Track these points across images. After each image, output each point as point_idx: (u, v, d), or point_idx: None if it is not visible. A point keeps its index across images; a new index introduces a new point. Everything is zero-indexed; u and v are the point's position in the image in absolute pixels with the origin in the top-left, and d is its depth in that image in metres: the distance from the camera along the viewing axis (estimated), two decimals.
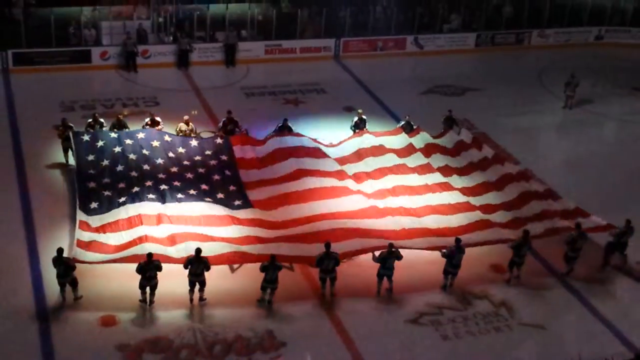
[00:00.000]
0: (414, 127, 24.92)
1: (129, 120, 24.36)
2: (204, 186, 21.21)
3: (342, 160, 22.92)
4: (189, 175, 21.55)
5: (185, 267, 17.80)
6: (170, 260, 18.13)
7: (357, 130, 24.71)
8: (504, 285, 19.50)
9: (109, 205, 19.99)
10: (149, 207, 19.88)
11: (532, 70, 33.95)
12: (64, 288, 17.55)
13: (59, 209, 20.99)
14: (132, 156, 21.78)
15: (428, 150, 23.72)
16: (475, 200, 21.62)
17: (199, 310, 17.91)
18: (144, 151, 22.02)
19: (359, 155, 23.18)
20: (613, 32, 37.46)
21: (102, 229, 19.19)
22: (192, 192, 20.80)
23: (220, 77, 31.26)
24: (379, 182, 22.08)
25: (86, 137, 22.23)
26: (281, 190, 21.44)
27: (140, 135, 22.61)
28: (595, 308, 19.05)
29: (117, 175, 21.10)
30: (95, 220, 19.45)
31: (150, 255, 17.55)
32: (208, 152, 22.59)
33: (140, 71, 30.54)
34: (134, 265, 17.65)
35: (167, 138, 22.76)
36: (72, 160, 22.46)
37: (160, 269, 17.65)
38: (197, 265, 17.72)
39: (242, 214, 20.38)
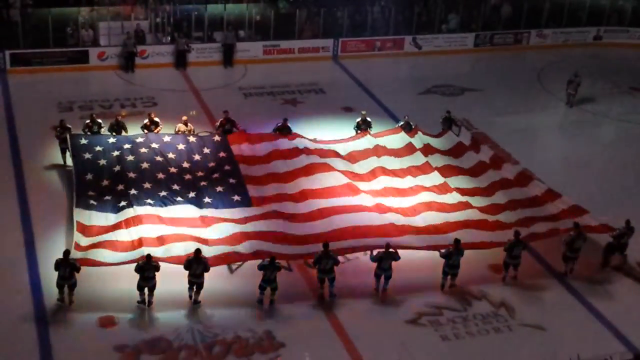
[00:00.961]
0: (413, 127, 24.88)
1: (127, 121, 24.29)
2: (202, 183, 21.20)
3: (345, 159, 22.90)
4: (188, 176, 21.52)
5: (186, 268, 17.74)
6: (169, 260, 18.05)
7: (359, 132, 24.68)
8: (504, 286, 19.46)
9: (107, 208, 19.93)
10: (147, 210, 19.79)
11: (530, 70, 33.92)
12: (63, 289, 17.47)
13: (57, 210, 20.92)
14: (130, 158, 21.74)
15: (427, 150, 23.70)
16: (474, 201, 21.57)
17: (197, 311, 17.85)
18: (142, 155, 21.95)
19: (364, 154, 23.13)
20: (611, 32, 37.40)
21: (100, 231, 19.11)
22: (191, 195, 20.74)
23: (219, 77, 31.20)
24: (374, 183, 22.04)
25: (84, 140, 22.17)
26: (280, 187, 21.42)
27: (139, 139, 22.58)
28: (595, 308, 19.02)
29: (115, 178, 21.04)
30: (93, 223, 19.36)
31: (149, 255, 17.49)
32: (206, 150, 22.57)
33: (138, 72, 30.48)
34: (133, 265, 17.60)
35: (165, 139, 22.76)
36: (69, 161, 22.39)
37: (158, 269, 17.59)
38: (196, 266, 17.67)
39: (241, 211, 20.34)
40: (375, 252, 18.66)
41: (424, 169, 22.73)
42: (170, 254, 18.27)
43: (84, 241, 18.57)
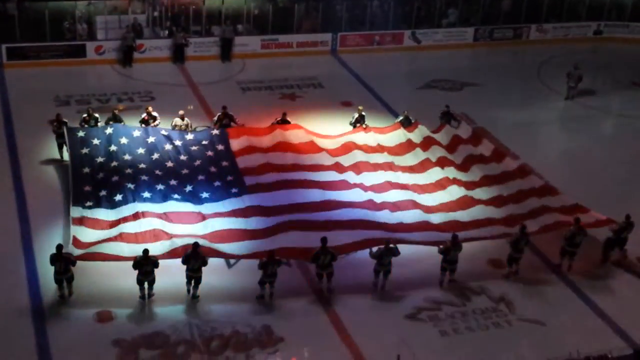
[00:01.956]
0: (412, 121, 24.80)
1: (124, 115, 24.24)
2: (200, 177, 21.14)
3: (343, 152, 22.87)
4: (185, 170, 21.47)
5: (183, 263, 17.68)
6: (168, 256, 17.96)
7: (357, 126, 24.59)
8: (503, 281, 19.42)
9: (104, 203, 19.86)
10: (145, 205, 19.72)
11: (530, 65, 33.83)
12: (62, 284, 17.41)
13: (54, 204, 20.85)
14: (127, 153, 21.68)
15: (426, 144, 23.64)
16: (473, 194, 21.53)
17: (195, 306, 17.78)
18: (140, 150, 21.92)
19: (363, 149, 23.06)
20: (612, 27, 37.32)
21: (96, 224, 19.04)
22: (188, 189, 20.69)
23: (216, 71, 31.08)
24: (374, 176, 21.97)
25: (80, 134, 22.09)
26: (279, 179, 21.38)
27: (136, 132, 22.51)
28: (594, 303, 18.98)
29: (112, 173, 20.96)
30: (89, 216, 19.28)
31: (146, 250, 17.40)
32: (204, 142, 22.55)
33: (135, 66, 30.37)
34: (130, 260, 17.52)
35: (163, 133, 22.74)
36: (66, 156, 22.33)
37: (157, 265, 17.51)
38: (194, 261, 17.59)
39: (238, 202, 20.27)
40: (375, 249, 18.59)
41: (424, 165, 22.66)
42: (168, 249, 18.18)
43: (81, 233, 18.50)
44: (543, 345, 17.41)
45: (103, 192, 20.19)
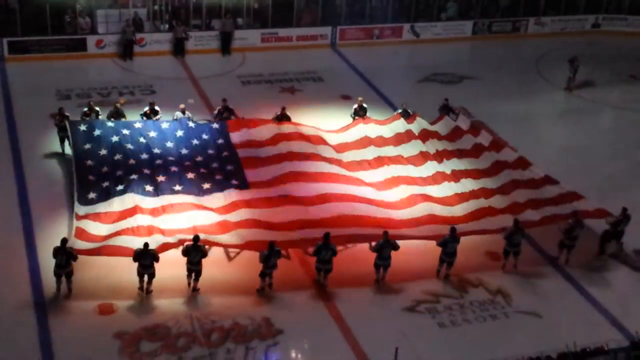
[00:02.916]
0: (411, 114, 24.90)
1: (125, 108, 24.32)
2: (202, 169, 21.22)
3: (344, 147, 22.94)
4: (187, 162, 21.52)
5: (183, 255, 17.81)
6: (172, 246, 18.10)
7: (356, 118, 24.70)
8: (500, 273, 19.55)
9: (107, 195, 19.90)
10: (146, 196, 19.81)
11: (529, 58, 33.88)
12: (61, 279, 17.52)
13: (56, 198, 20.96)
14: (129, 145, 21.76)
15: (425, 136, 23.69)
16: (472, 184, 21.64)
17: (196, 298, 17.92)
18: (142, 140, 22.01)
19: (363, 143, 23.15)
20: (610, 20, 37.35)
21: (98, 218, 19.13)
22: (189, 175, 20.76)
23: (217, 65, 31.13)
24: (379, 171, 22.06)
25: (83, 127, 22.16)
26: (280, 171, 21.39)
27: (138, 125, 22.62)
28: (591, 296, 19.11)
29: (115, 165, 21.05)
30: (93, 210, 19.39)
31: (146, 244, 17.54)
32: (205, 136, 22.62)
33: (136, 59, 30.44)
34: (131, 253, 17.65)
35: (164, 125, 22.80)
36: (68, 150, 22.41)
37: (157, 259, 17.63)
38: (194, 253, 17.74)
39: (240, 195, 20.35)
40: (374, 243, 18.70)
41: (423, 157, 22.69)
42: (169, 241, 18.31)
43: (83, 226, 18.60)
44: (540, 337, 17.55)
45: (106, 185, 20.25)
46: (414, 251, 19.45)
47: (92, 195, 19.89)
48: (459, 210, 20.70)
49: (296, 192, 20.57)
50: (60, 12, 30.39)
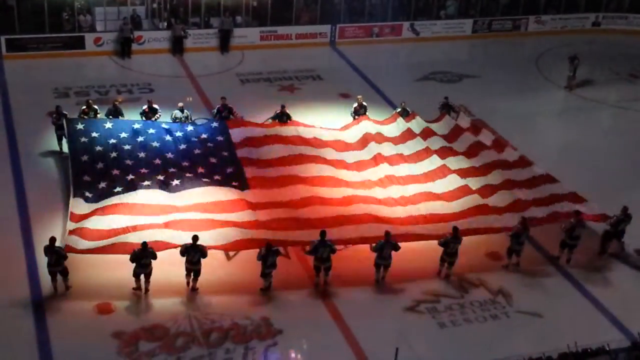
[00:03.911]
0: (410, 113, 24.83)
1: (123, 106, 24.25)
2: (200, 169, 21.13)
3: (345, 147, 22.87)
4: (186, 162, 21.44)
5: (182, 255, 17.72)
6: (167, 245, 18.00)
7: (356, 117, 24.61)
8: (501, 273, 19.48)
9: (103, 194, 19.84)
10: (143, 195, 19.77)
11: (529, 56, 33.84)
12: (55, 277, 17.47)
13: (53, 197, 20.88)
14: (127, 145, 21.68)
15: (425, 134, 23.68)
16: (473, 183, 21.56)
17: (195, 298, 17.85)
18: (139, 139, 21.94)
19: (363, 142, 23.09)
20: (610, 19, 37.32)
21: (93, 214, 19.03)
22: (188, 174, 20.71)
23: (215, 63, 31.07)
24: (379, 169, 21.98)
25: (80, 125, 22.08)
26: (280, 173, 21.36)
27: (136, 125, 22.54)
28: (592, 295, 19.05)
29: (112, 164, 20.96)
30: (89, 209, 19.29)
31: (144, 243, 17.44)
32: (204, 135, 22.56)
33: (134, 57, 30.36)
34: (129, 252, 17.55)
35: (163, 126, 22.76)
36: (65, 148, 22.33)
37: (155, 257, 17.55)
38: (193, 253, 17.65)
39: (239, 195, 20.28)
40: (375, 243, 18.60)
41: (424, 154, 22.65)
42: (166, 240, 18.21)
43: (78, 225, 18.50)
44: (541, 337, 17.49)
45: (103, 184, 20.17)
46: (415, 251, 19.35)
47: (88, 194, 19.82)
48: (457, 207, 20.59)
49: (297, 195, 20.47)
50: (59, 10, 30.32)
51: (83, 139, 21.62)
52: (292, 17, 33.30)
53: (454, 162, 22.44)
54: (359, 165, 22.16)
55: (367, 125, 23.73)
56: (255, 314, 17.47)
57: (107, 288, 17.76)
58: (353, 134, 23.49)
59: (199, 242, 17.74)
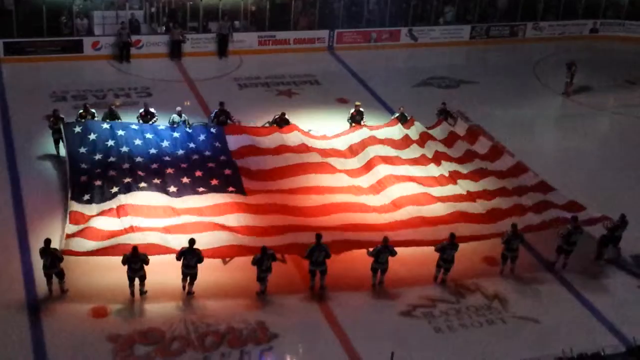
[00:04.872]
0: (408, 118, 24.85)
1: (120, 110, 24.25)
2: (197, 173, 21.11)
3: (336, 154, 22.84)
4: (183, 165, 21.44)
5: (178, 259, 17.70)
6: (169, 250, 17.98)
7: (353, 124, 24.61)
8: (497, 278, 19.47)
9: (101, 196, 19.83)
10: (142, 197, 19.76)
11: (526, 63, 33.90)
12: (51, 279, 17.43)
13: (50, 200, 20.85)
14: (124, 148, 21.68)
15: (422, 140, 23.69)
16: (469, 188, 21.58)
17: (190, 302, 17.82)
18: (137, 142, 21.92)
19: (352, 151, 23.06)
20: (608, 25, 37.43)
21: (92, 216, 19.02)
22: (184, 180, 20.69)
23: (213, 67, 31.09)
24: (372, 174, 21.96)
25: (77, 129, 22.05)
26: (276, 180, 21.32)
27: (133, 127, 22.54)
28: (588, 301, 19.04)
29: (109, 167, 20.94)
30: (87, 212, 19.28)
31: (135, 248, 17.40)
32: (202, 138, 22.56)
33: (132, 62, 30.38)
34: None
35: (160, 128, 22.80)
36: (63, 152, 22.31)
37: (146, 262, 17.49)
38: (190, 257, 17.62)
39: (236, 199, 20.27)
40: (372, 247, 18.60)
41: (421, 161, 22.69)
42: (163, 244, 18.20)
43: (76, 228, 18.50)
44: (536, 342, 17.48)
45: (100, 186, 20.14)
46: (411, 256, 19.32)
47: (86, 197, 19.80)
48: (457, 209, 20.60)
49: (295, 202, 20.44)
50: (57, 14, 30.34)
51: (80, 143, 21.59)
52: (291, 22, 33.35)
53: (450, 168, 22.44)
54: (356, 172, 22.12)
55: (363, 132, 23.65)
56: (251, 318, 17.44)
57: (103, 291, 17.72)
58: (349, 141, 23.40)
59: (195, 246, 17.72)
